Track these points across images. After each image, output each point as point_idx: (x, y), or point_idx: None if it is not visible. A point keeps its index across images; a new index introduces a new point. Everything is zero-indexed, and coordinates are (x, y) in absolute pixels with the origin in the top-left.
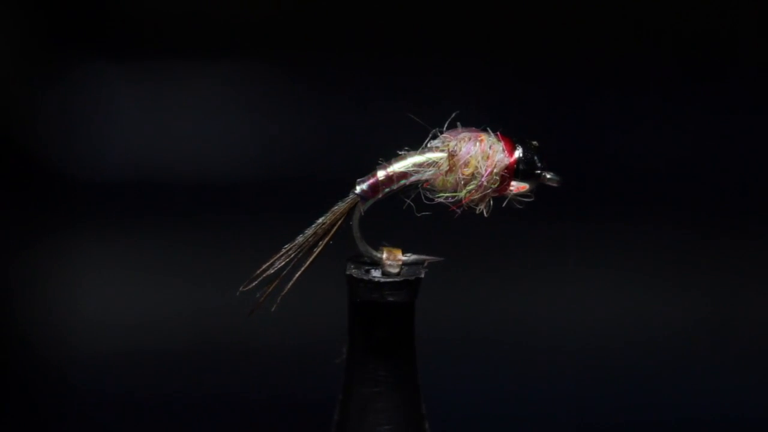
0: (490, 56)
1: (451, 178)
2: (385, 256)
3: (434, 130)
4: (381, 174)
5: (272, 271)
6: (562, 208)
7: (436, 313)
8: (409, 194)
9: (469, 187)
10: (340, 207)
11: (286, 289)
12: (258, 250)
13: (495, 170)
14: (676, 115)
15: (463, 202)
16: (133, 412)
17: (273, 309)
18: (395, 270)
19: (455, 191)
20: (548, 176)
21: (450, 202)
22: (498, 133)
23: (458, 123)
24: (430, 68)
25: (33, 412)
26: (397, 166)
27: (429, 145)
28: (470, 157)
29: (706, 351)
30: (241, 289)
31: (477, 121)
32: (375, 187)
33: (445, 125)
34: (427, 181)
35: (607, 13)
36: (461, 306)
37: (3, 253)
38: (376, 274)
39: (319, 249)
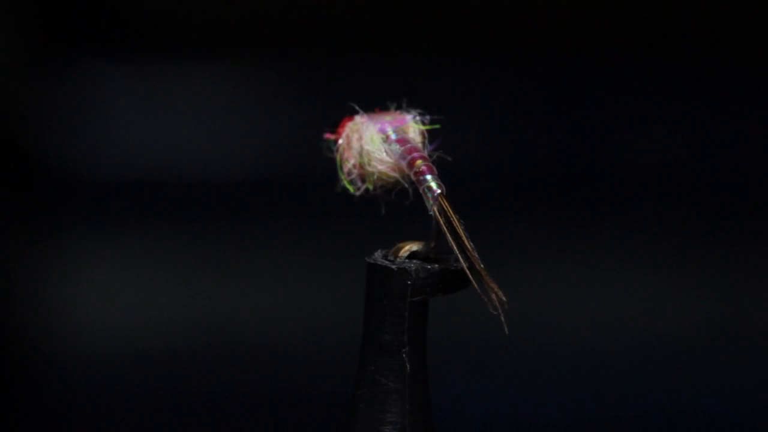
0: (489, 57)
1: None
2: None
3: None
4: (425, 162)
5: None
6: (562, 209)
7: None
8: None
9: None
10: (448, 208)
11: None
12: (258, 249)
13: None
14: (676, 116)
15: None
16: (134, 410)
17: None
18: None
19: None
20: None
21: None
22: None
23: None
24: (430, 68)
25: (33, 410)
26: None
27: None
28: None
29: (707, 351)
30: (493, 311)
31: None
32: (436, 174)
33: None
34: None
35: (605, 14)
36: (459, 306)
37: (3, 253)
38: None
39: (471, 247)
